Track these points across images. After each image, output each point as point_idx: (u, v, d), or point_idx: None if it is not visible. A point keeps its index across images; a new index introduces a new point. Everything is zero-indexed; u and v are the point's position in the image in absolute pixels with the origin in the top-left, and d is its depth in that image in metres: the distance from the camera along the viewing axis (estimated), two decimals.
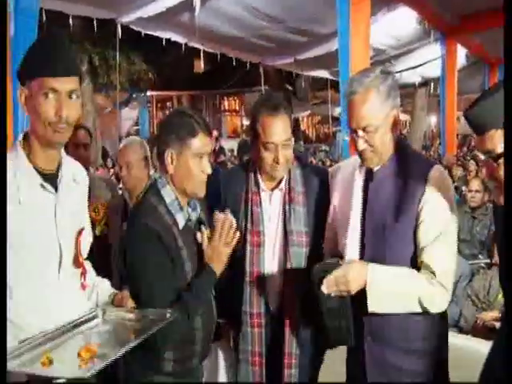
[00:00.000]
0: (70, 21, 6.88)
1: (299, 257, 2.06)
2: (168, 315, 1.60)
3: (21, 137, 1.59)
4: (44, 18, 5.64)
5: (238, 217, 2.09)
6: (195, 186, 1.81)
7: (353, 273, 1.73)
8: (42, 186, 1.55)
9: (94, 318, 1.64)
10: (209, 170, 1.81)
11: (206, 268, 1.82)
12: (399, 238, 1.80)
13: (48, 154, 1.59)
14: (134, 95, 18.22)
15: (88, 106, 13.99)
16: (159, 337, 1.64)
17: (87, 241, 1.76)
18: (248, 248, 2.09)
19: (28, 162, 1.55)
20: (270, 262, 2.11)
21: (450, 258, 1.80)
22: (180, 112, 1.87)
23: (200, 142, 1.78)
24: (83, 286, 1.68)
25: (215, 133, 18.35)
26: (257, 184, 2.13)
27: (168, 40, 8.19)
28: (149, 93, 19.29)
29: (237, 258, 2.09)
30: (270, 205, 2.13)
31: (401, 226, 1.79)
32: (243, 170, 2.21)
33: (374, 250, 1.81)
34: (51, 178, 1.59)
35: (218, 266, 1.83)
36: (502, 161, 1.36)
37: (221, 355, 2.29)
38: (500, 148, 1.36)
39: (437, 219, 1.77)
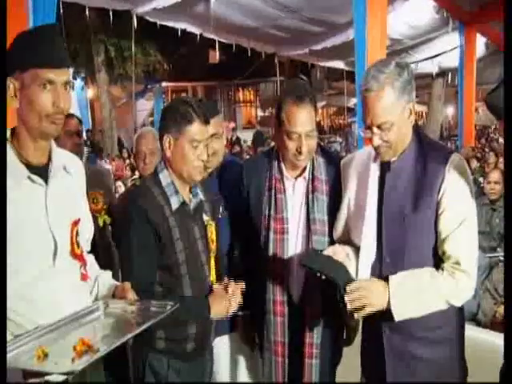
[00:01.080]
0: (87, 12, 6.90)
1: (322, 245, 2.05)
2: (168, 307, 1.59)
3: (8, 132, 1.58)
4: (61, 11, 5.65)
5: (262, 203, 2.12)
6: (190, 170, 1.89)
7: (375, 291, 1.75)
8: (30, 178, 1.54)
9: (95, 311, 1.62)
10: (204, 157, 1.89)
11: (205, 302, 1.89)
12: (419, 228, 1.79)
13: (38, 147, 1.57)
14: (149, 86, 18.29)
15: (103, 98, 14.10)
16: None
17: (87, 232, 1.75)
18: (271, 235, 2.09)
19: (15, 157, 1.54)
20: (293, 250, 2.11)
21: (473, 244, 1.79)
22: (180, 100, 1.99)
23: (196, 129, 1.86)
24: (84, 277, 1.67)
25: (232, 124, 18.40)
26: (280, 172, 2.13)
27: (183, 31, 8.19)
28: (164, 84, 19.34)
29: (260, 245, 2.11)
30: (293, 193, 2.13)
31: (420, 215, 1.77)
32: (267, 158, 2.21)
33: (393, 241, 1.79)
34: (41, 170, 1.58)
35: (216, 311, 1.90)
36: None
37: (233, 347, 2.29)
38: None
39: (458, 207, 1.75)
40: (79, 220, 1.67)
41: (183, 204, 1.90)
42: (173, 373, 1.90)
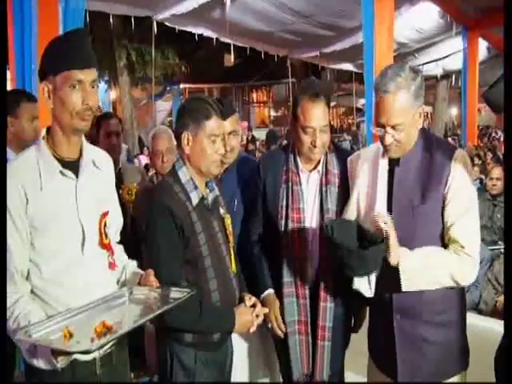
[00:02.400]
0: (111, 19, 6.94)
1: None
2: (185, 294, 1.62)
3: (44, 131, 1.63)
4: (87, 19, 5.69)
5: (279, 194, 2.15)
6: (210, 165, 1.88)
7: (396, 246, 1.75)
8: (62, 172, 1.59)
9: (120, 296, 1.65)
10: (222, 151, 1.89)
11: (231, 315, 1.90)
12: (427, 219, 1.81)
13: (70, 142, 1.62)
14: (168, 88, 18.33)
15: (126, 99, 14.17)
16: (168, 317, 1.74)
17: (116, 224, 1.79)
18: (289, 224, 2.12)
19: (48, 152, 1.60)
20: (309, 237, 2.14)
21: (476, 230, 1.82)
22: (196, 98, 1.97)
23: (214, 124, 1.86)
24: (111, 265, 1.71)
25: (245, 123, 18.41)
26: (296, 165, 2.17)
27: (200, 35, 8.20)
28: (182, 85, 19.36)
29: (278, 233, 2.14)
30: (308, 185, 2.16)
31: (428, 206, 1.80)
32: (283, 153, 2.24)
33: (403, 232, 1.81)
34: (73, 165, 1.63)
35: (240, 325, 1.91)
36: None
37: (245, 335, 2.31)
38: None
39: (463, 197, 1.79)
40: (108, 212, 1.71)
41: (202, 198, 1.91)
42: (200, 365, 1.89)
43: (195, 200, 1.87)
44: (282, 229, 2.14)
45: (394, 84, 1.72)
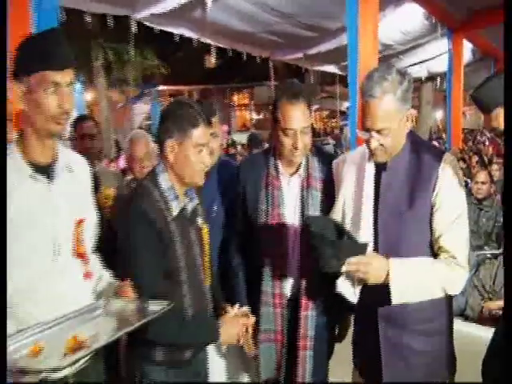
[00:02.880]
0: (87, 18, 6.88)
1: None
2: (164, 306, 1.58)
3: (15, 135, 1.60)
4: (61, 16, 5.63)
5: (259, 199, 2.15)
6: (194, 174, 1.84)
7: (376, 264, 1.74)
8: (33, 176, 1.55)
9: (95, 309, 1.61)
10: (207, 161, 1.85)
11: (216, 325, 1.87)
12: (414, 224, 1.81)
13: (44, 146, 1.59)
14: (146, 90, 18.25)
15: (102, 101, 14.03)
16: (149, 330, 1.68)
17: (92, 231, 1.75)
18: (269, 229, 2.12)
19: (20, 157, 1.56)
20: (290, 244, 2.14)
21: (466, 238, 1.84)
22: (182, 103, 1.89)
23: (201, 133, 1.81)
24: (86, 275, 1.67)
25: (225, 127, 18.44)
26: (276, 169, 2.17)
27: (181, 36, 8.18)
28: (161, 87, 19.31)
29: (257, 239, 2.14)
30: (289, 190, 2.17)
31: (416, 212, 1.80)
32: (264, 156, 2.25)
33: (389, 239, 1.82)
34: (46, 169, 1.59)
35: (226, 337, 1.88)
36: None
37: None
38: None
39: (453, 203, 1.79)
40: (84, 219, 1.68)
41: (182, 209, 1.87)
42: (170, 379, 1.85)
43: (175, 210, 1.83)
44: (262, 235, 2.14)
45: (379, 88, 1.72)
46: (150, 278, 1.74)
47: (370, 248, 1.83)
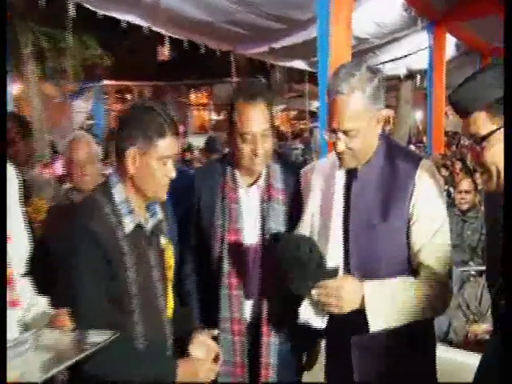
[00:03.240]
0: None
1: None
2: (108, 337, 1.54)
3: None
4: None
5: (214, 214, 2.14)
6: (157, 189, 1.82)
7: (348, 288, 1.75)
8: None
9: (23, 342, 1.54)
10: (173, 175, 1.82)
11: (173, 364, 1.80)
12: (389, 238, 1.84)
13: None
14: (88, 85, 17.93)
15: (32, 95, 13.61)
16: (87, 365, 1.61)
17: (20, 251, 1.72)
18: (226, 248, 2.12)
19: None
20: (250, 264, 2.14)
21: (448, 252, 1.87)
22: (148, 107, 1.84)
23: (167, 144, 1.78)
24: (14, 304, 1.63)
25: (181, 128, 18.39)
26: (234, 179, 2.16)
27: (128, 23, 8.08)
28: (105, 82, 19.05)
29: (213, 259, 2.13)
30: (248, 202, 2.17)
31: (391, 225, 1.83)
32: (220, 165, 2.25)
33: (361, 254, 1.84)
34: None
35: (185, 375, 1.79)
36: (486, 144, 1.45)
37: None
38: (484, 130, 1.44)
39: (432, 215, 1.83)
40: (10, 237, 1.63)
41: (139, 226, 1.83)
42: None
43: (128, 227, 1.79)
44: (217, 254, 2.14)
45: (347, 84, 1.75)
46: (92, 305, 1.69)
47: (341, 269, 1.84)
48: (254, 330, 2.15)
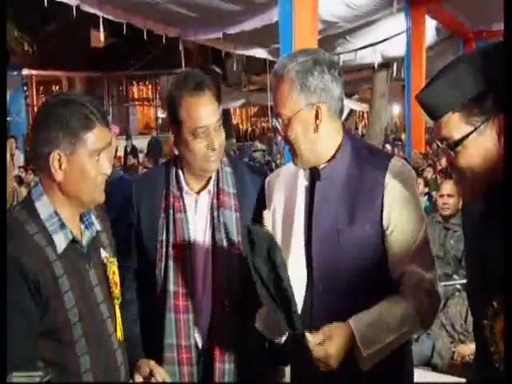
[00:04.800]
0: None
1: (231, 273, 2.14)
2: (36, 379, 1.45)
3: None
4: None
5: (156, 228, 2.17)
6: (93, 191, 1.81)
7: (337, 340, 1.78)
8: None
9: None
10: (108, 170, 1.82)
11: None
12: (357, 247, 1.90)
13: None
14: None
15: None
16: None
17: None
18: (171, 264, 2.15)
19: None
20: (200, 281, 2.18)
21: (432, 259, 1.94)
22: (66, 99, 1.82)
23: (97, 136, 1.78)
24: None
25: (116, 129, 18.22)
26: (179, 186, 2.20)
27: (52, 1, 7.85)
28: (25, 71, 18.57)
29: (157, 279, 2.15)
30: (196, 211, 2.21)
31: (358, 231, 1.89)
32: (162, 172, 2.28)
33: (326, 264, 1.90)
34: None
35: None
36: (459, 149, 1.47)
37: None
38: (457, 134, 1.47)
39: (409, 222, 1.90)
40: None
41: (73, 241, 1.81)
42: None
43: (61, 244, 1.77)
44: (162, 273, 2.16)
45: (282, 67, 1.90)
46: (17, 343, 1.66)
47: (303, 286, 1.92)
48: (205, 357, 2.17)
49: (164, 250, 2.16)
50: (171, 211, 2.17)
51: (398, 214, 1.89)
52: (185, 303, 2.16)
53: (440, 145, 1.57)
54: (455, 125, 1.47)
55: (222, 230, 2.17)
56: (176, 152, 2.22)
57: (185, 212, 2.18)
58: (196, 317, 2.17)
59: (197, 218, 2.20)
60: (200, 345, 2.19)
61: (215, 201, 2.19)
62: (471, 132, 1.44)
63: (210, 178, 2.21)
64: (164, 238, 2.17)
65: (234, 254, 2.16)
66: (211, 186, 2.21)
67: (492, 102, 1.42)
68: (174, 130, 2.17)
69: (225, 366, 2.16)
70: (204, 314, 2.18)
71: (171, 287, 2.15)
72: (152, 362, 2.01)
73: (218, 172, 2.21)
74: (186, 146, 2.12)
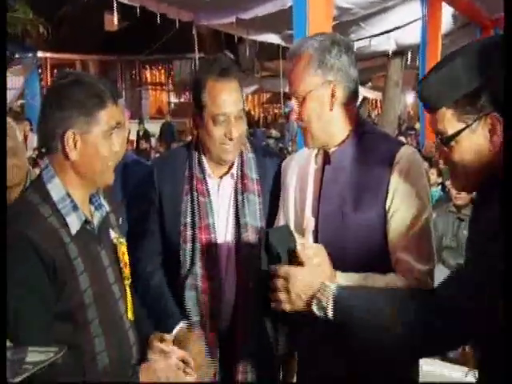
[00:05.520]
0: None
1: (254, 257, 2.13)
2: (51, 355, 1.49)
3: None
4: None
5: (180, 211, 2.19)
6: (105, 170, 1.84)
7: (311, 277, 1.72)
8: None
9: None
10: (118, 148, 1.85)
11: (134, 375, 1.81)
12: (361, 231, 1.92)
13: None
14: (18, 56, 17.54)
15: None
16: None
17: None
18: (197, 247, 2.16)
19: None
20: (223, 265, 2.20)
21: (431, 249, 1.94)
22: (78, 80, 1.83)
23: (110, 114, 1.81)
24: None
25: (127, 113, 18.29)
26: (202, 169, 2.21)
27: None
28: (40, 54, 18.60)
29: (181, 261, 2.17)
30: (219, 195, 2.22)
31: (363, 216, 1.92)
32: (185, 154, 2.28)
33: (330, 244, 1.88)
34: None
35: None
36: (452, 144, 1.49)
37: None
38: (451, 129, 1.48)
39: (411, 210, 1.89)
40: None
41: (85, 223, 1.83)
42: None
43: (75, 226, 1.79)
44: (188, 255, 2.17)
45: (300, 46, 1.92)
46: (34, 326, 1.69)
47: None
48: (227, 341, 2.20)
49: (189, 233, 2.17)
50: (195, 194, 2.18)
51: (400, 201, 1.90)
52: (210, 283, 2.18)
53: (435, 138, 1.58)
54: (448, 121, 1.48)
55: (246, 214, 2.18)
56: (194, 132, 2.24)
57: (208, 196, 2.20)
58: (220, 297, 2.19)
59: (220, 202, 2.21)
60: (225, 326, 2.22)
61: (240, 185, 2.21)
62: (463, 129, 1.45)
63: (233, 163, 2.22)
64: (189, 220, 2.18)
65: (257, 239, 2.17)
66: (235, 170, 2.22)
67: (485, 100, 1.41)
68: (195, 115, 2.18)
69: (247, 348, 2.18)
70: (227, 296, 2.20)
71: (198, 269, 2.16)
72: (161, 335, 1.99)
73: (241, 156, 2.23)
74: (206, 130, 2.13)
